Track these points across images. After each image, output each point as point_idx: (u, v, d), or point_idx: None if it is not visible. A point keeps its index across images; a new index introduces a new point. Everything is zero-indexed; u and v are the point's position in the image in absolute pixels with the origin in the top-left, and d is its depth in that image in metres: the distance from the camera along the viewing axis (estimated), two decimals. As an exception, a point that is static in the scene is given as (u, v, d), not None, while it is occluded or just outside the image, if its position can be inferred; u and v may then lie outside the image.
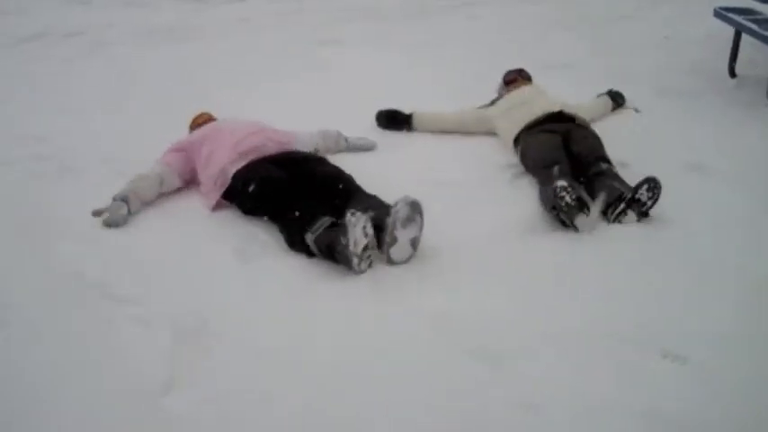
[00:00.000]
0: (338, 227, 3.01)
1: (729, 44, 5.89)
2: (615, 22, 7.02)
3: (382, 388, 2.39)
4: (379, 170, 3.80)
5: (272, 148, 3.64)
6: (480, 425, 2.25)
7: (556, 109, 4.11)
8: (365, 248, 2.97)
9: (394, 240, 3.03)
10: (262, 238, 3.31)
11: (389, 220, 2.99)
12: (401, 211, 3.00)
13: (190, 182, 3.78)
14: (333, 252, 2.99)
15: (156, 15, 7.17)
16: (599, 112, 4.63)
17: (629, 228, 3.34)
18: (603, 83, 5.23)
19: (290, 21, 7.15)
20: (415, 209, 3.04)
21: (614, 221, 3.38)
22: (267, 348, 2.60)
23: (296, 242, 3.16)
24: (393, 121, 4.57)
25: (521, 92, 4.42)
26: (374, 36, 6.63)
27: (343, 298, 2.87)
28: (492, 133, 4.38)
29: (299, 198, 3.28)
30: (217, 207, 3.55)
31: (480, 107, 4.50)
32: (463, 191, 3.75)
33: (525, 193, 3.71)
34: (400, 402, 2.33)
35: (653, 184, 3.34)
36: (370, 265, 3.02)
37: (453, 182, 3.81)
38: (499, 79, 4.64)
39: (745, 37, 5.33)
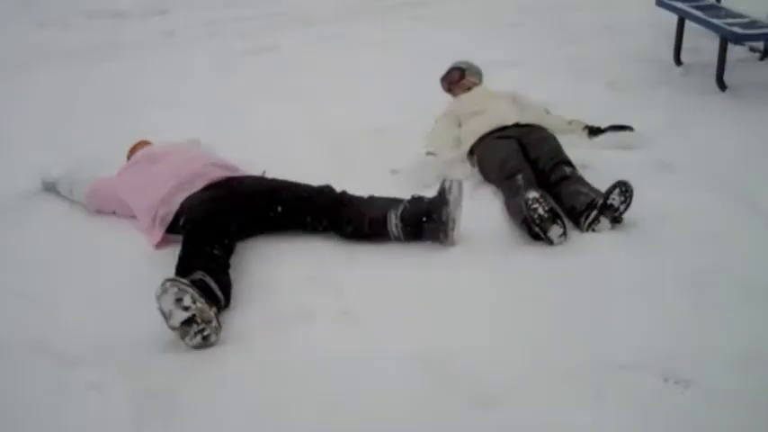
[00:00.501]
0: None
1: (671, 32, 5.86)
2: (559, 13, 6.92)
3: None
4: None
5: (216, 174, 3.35)
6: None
7: (510, 122, 3.89)
8: (189, 323, 2.53)
9: (454, 222, 3.06)
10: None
11: (447, 206, 3.03)
12: (455, 193, 3.05)
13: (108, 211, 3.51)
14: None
15: (73, 35, 6.69)
16: (557, 128, 4.06)
17: (605, 237, 3.16)
18: (555, 78, 5.12)
19: (220, 30, 6.82)
20: (462, 189, 3.10)
21: (587, 230, 3.20)
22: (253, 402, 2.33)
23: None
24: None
25: (470, 98, 4.20)
26: (311, 41, 6.38)
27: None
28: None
29: (222, 235, 2.99)
30: (162, 244, 3.23)
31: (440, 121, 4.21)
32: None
33: (490, 205, 3.50)
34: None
35: (624, 188, 3.17)
36: (205, 339, 2.55)
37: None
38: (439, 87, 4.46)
39: (687, 24, 5.26)
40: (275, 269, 3.04)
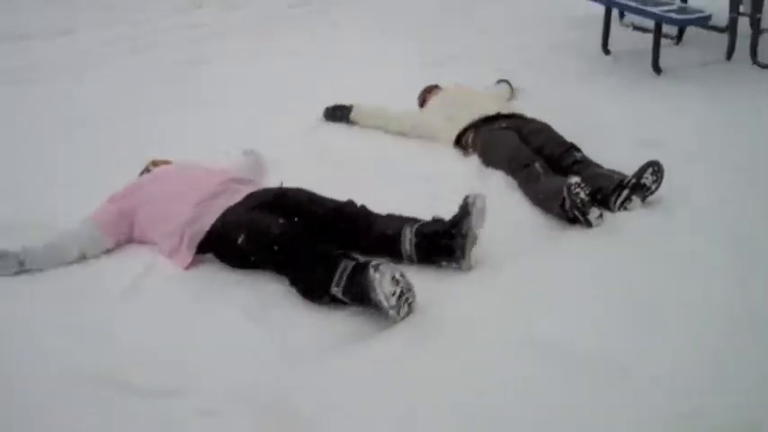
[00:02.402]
0: (362, 272, 2.61)
1: (582, 23, 6.16)
2: (468, 12, 7.04)
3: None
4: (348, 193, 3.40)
5: (240, 190, 3.15)
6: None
7: (492, 112, 3.97)
8: (400, 295, 2.60)
9: (474, 239, 2.86)
10: (269, 289, 2.83)
11: (468, 220, 2.83)
12: (480, 208, 2.85)
13: (128, 240, 3.22)
14: (365, 302, 2.61)
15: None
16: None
17: (641, 214, 3.24)
18: (490, 70, 5.20)
19: (138, 46, 6.43)
20: (485, 204, 2.90)
21: (619, 209, 3.28)
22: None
23: (318, 296, 2.72)
24: (334, 114, 4.53)
25: (447, 92, 4.25)
26: (240, 51, 6.17)
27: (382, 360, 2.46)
28: (425, 137, 4.17)
29: (300, 243, 2.82)
30: (191, 264, 3.01)
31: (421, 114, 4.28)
32: (442, 204, 3.44)
33: (510, 197, 3.50)
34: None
35: (656, 168, 3.29)
36: (410, 307, 2.63)
37: (433, 196, 3.50)
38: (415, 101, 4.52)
39: (596, 15, 5.52)
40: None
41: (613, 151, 3.78)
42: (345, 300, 2.67)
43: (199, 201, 3.06)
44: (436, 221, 2.96)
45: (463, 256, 2.85)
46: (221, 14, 7.53)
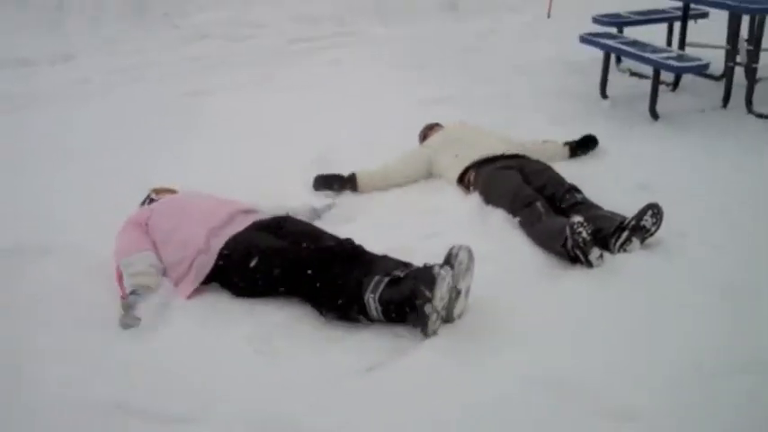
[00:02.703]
0: (411, 281, 2.66)
1: (580, 68, 6.24)
2: (465, 55, 7.13)
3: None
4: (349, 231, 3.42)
5: (245, 219, 3.17)
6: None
7: (498, 152, 4.00)
8: (447, 304, 2.67)
9: (458, 294, 2.75)
10: (274, 320, 2.83)
11: (451, 273, 2.69)
12: (463, 261, 2.74)
13: None
14: (406, 308, 2.62)
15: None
16: (545, 156, 4.19)
17: (639, 256, 3.28)
18: (492, 112, 5.25)
19: (141, 76, 6.48)
20: (471, 256, 2.79)
21: (619, 251, 3.30)
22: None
23: (348, 311, 2.74)
24: (331, 183, 4.10)
25: (452, 129, 4.29)
26: (243, 84, 6.22)
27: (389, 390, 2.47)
28: (431, 175, 4.22)
29: (311, 264, 2.86)
30: (193, 293, 3.01)
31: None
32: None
33: (511, 234, 3.52)
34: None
35: (655, 210, 3.32)
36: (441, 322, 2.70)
37: (434, 233, 3.52)
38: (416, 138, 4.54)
39: (593, 59, 5.60)
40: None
41: (611, 193, 3.82)
42: (374, 313, 2.68)
43: (211, 229, 3.09)
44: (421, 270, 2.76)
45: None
46: (223, 46, 7.60)
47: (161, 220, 3.21)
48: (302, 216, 3.48)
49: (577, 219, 3.18)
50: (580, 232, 3.16)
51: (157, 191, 3.50)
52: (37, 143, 4.89)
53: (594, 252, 3.19)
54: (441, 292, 2.62)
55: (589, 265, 3.19)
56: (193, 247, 3.03)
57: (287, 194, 3.91)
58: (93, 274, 3.17)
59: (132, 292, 2.91)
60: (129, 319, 2.82)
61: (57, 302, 3.01)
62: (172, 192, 3.49)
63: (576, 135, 4.94)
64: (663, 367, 2.52)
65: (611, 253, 3.30)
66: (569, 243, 3.18)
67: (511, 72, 6.42)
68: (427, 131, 4.47)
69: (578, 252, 3.18)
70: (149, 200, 3.45)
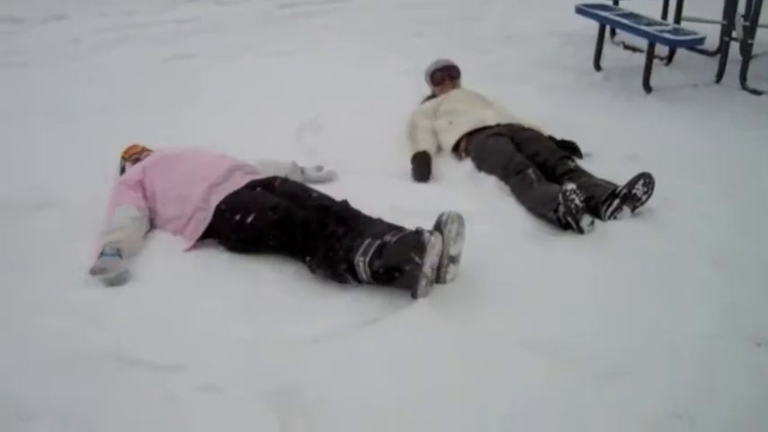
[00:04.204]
0: (402, 245, 2.65)
1: (573, 40, 6.23)
2: (457, 24, 7.09)
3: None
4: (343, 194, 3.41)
5: (242, 177, 3.17)
6: None
7: (491, 123, 3.99)
8: (438, 268, 2.71)
9: (450, 260, 2.76)
10: (268, 275, 2.85)
11: (441, 239, 2.70)
12: (453, 227, 2.74)
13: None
14: (395, 273, 2.63)
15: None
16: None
17: (629, 223, 3.29)
18: (486, 82, 5.22)
19: (129, 37, 6.41)
20: (462, 222, 2.79)
21: (609, 218, 3.31)
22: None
23: (337, 268, 2.74)
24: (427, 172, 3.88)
25: (452, 98, 4.27)
26: (228, 49, 6.16)
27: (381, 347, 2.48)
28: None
29: (307, 224, 2.87)
30: (191, 247, 3.04)
31: (422, 105, 4.37)
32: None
33: (503, 202, 3.53)
34: None
35: (647, 180, 3.33)
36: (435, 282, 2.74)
37: (427, 198, 3.52)
38: (424, 73, 4.60)
39: (589, 32, 5.56)
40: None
41: (601, 164, 3.84)
42: (364, 276, 2.69)
43: (210, 186, 3.09)
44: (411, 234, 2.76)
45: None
46: (214, 9, 7.52)
47: (156, 177, 3.21)
48: (296, 177, 3.50)
49: (570, 186, 3.19)
50: (573, 199, 3.17)
51: (129, 152, 3.49)
52: (27, 101, 4.86)
53: (586, 219, 3.21)
54: (430, 259, 2.63)
55: (580, 231, 3.21)
56: (192, 202, 3.04)
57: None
58: (84, 230, 3.16)
59: (101, 254, 2.87)
60: (107, 278, 2.79)
61: (47, 257, 3.00)
62: (146, 150, 3.48)
63: (567, 107, 4.97)
64: (655, 332, 2.54)
65: (601, 220, 3.31)
66: (561, 209, 3.19)
67: (503, 42, 6.40)
68: (446, 79, 4.47)
69: (570, 219, 3.19)
70: (132, 161, 3.43)
